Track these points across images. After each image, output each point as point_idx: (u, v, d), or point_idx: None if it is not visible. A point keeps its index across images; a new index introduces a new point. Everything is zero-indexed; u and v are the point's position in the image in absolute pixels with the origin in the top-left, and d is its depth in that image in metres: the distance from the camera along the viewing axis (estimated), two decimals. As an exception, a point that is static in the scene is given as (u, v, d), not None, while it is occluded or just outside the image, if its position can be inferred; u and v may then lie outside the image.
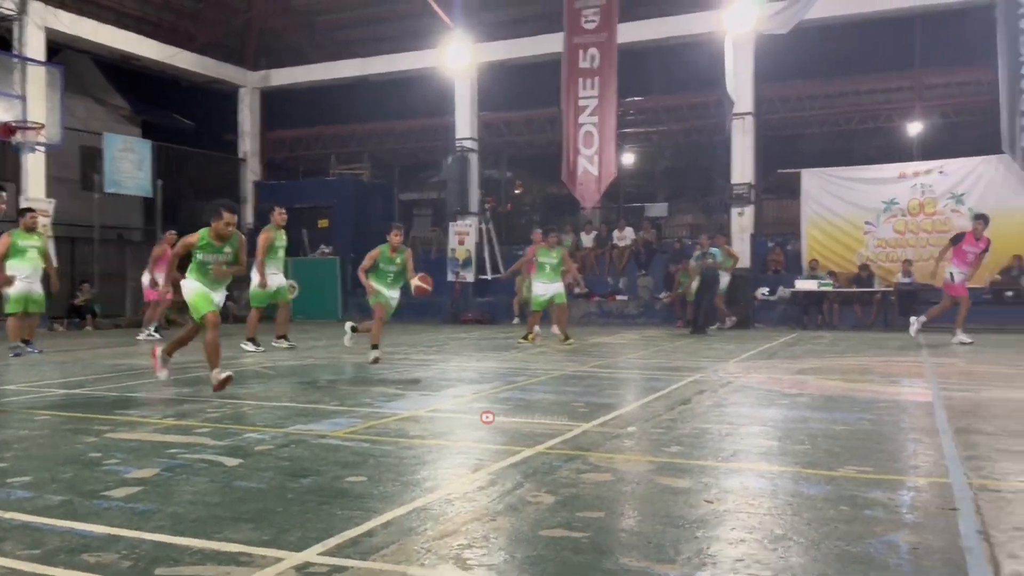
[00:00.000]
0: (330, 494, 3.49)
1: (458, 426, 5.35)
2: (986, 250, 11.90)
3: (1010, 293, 15.28)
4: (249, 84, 22.38)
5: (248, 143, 22.59)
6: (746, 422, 5.39)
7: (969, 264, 11.70)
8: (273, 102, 23.04)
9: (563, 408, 5.95)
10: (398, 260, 9.04)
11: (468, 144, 20.08)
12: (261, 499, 3.40)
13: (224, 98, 22.50)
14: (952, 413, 5.53)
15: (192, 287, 6.66)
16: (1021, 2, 14.97)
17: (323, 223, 21.28)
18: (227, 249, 6.72)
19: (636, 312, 17.94)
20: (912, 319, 12.14)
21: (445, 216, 20.62)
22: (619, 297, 18.35)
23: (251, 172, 22.60)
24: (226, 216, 6.63)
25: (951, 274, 11.70)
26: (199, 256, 6.66)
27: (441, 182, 21.93)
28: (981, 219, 12.02)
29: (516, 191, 29.02)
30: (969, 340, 11.41)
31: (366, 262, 9.01)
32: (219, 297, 6.84)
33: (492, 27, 20.16)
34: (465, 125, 20.22)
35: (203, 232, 6.68)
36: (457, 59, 19.04)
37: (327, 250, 21.12)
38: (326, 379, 7.73)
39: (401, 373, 8.15)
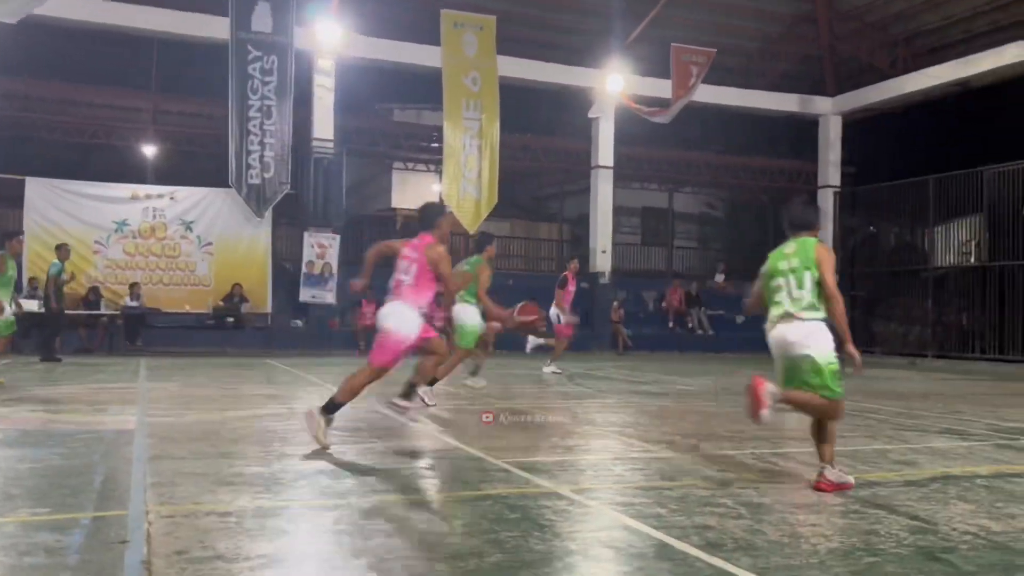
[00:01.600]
0: None
1: None
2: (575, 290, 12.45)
3: (231, 319, 16.57)
4: None
5: None
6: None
7: (568, 303, 12.16)
8: None
9: None
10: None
11: None
12: None
13: None
14: (152, 440, 5.58)
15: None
16: (250, 49, 16.43)
17: None
18: None
19: None
20: (545, 369, 11.84)
21: None
22: None
23: None
24: None
25: (558, 316, 11.98)
26: None
27: None
28: (576, 259, 12.79)
29: None
30: (559, 371, 11.80)
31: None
32: None
33: None
34: None
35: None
36: None
37: None
38: None
39: None
